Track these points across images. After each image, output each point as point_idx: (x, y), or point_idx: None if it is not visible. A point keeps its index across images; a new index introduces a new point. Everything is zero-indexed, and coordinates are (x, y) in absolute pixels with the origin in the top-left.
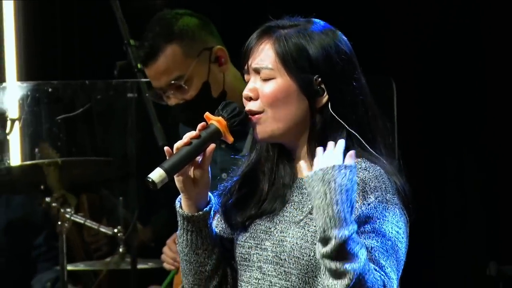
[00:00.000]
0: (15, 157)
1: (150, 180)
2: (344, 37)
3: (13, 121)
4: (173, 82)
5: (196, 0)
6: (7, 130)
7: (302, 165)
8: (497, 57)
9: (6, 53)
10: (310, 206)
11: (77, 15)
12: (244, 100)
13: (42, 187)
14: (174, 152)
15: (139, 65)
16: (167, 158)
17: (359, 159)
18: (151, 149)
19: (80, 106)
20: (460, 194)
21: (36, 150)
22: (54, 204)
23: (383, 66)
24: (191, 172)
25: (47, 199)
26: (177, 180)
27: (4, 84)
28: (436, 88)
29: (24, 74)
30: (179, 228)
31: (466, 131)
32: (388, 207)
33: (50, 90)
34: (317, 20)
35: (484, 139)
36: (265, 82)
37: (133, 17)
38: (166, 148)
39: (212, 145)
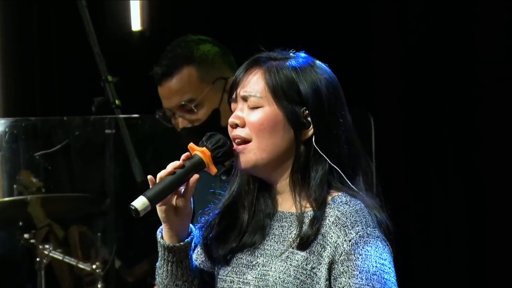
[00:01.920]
0: None
1: (133, 208)
2: (333, 73)
3: None
4: (183, 103)
5: (181, 35)
6: None
7: (282, 198)
8: (480, 88)
9: None
10: (291, 240)
11: (55, 51)
12: (229, 127)
13: (20, 223)
14: (157, 181)
15: (117, 101)
16: (150, 186)
17: (340, 193)
18: (129, 185)
19: (58, 142)
20: (442, 231)
21: (17, 177)
22: (32, 241)
23: (361, 99)
24: (173, 202)
25: (26, 235)
26: (159, 209)
27: None
28: (415, 122)
29: (2, 111)
30: (159, 259)
31: (448, 166)
32: (370, 241)
33: (28, 126)
34: (307, 55)
35: (468, 175)
36: (252, 110)
37: (111, 53)
38: (149, 177)
39: (196, 176)
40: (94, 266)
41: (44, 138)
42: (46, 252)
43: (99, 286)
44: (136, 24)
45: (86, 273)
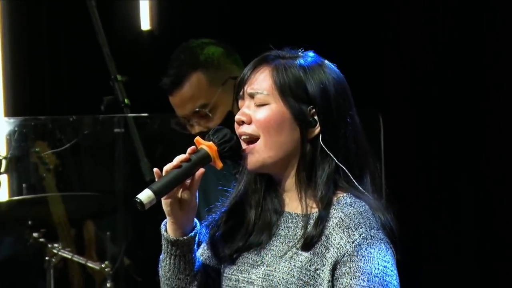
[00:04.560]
0: (2, 193)
1: (138, 200)
2: (341, 74)
3: (1, 158)
4: (197, 110)
5: (190, 34)
6: (2, 170)
7: (289, 198)
8: (491, 87)
9: None
10: (296, 240)
11: (64, 51)
12: (236, 124)
13: (29, 222)
14: (163, 174)
15: (126, 100)
16: (156, 180)
17: (345, 194)
18: (138, 184)
19: (67, 141)
20: (453, 230)
21: (32, 149)
22: (41, 240)
23: (370, 99)
24: (179, 195)
25: (35, 234)
26: (164, 202)
27: None
28: (424, 122)
29: (11, 109)
30: (162, 252)
31: (458, 164)
32: (373, 243)
33: (37, 125)
34: (315, 54)
35: (477, 175)
36: (259, 107)
37: (120, 52)
38: (155, 170)
39: (201, 170)
40: (103, 265)
41: (53, 137)
42: (55, 251)
43: (108, 285)
44: (145, 23)
45: (95, 272)
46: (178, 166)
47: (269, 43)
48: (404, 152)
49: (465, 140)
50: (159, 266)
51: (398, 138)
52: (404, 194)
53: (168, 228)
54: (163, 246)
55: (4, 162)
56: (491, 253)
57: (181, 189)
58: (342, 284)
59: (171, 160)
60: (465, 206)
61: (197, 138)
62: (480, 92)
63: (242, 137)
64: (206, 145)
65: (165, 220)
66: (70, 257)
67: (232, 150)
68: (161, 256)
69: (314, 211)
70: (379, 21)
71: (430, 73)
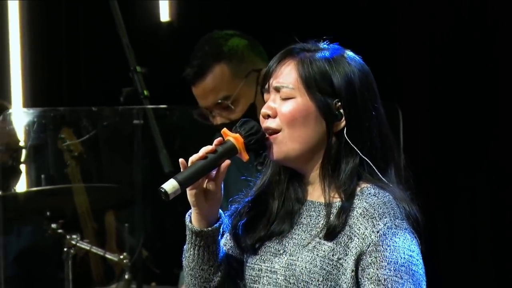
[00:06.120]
0: (21, 184)
1: (163, 190)
2: (366, 66)
3: (20, 148)
4: (219, 101)
5: (209, 26)
6: (22, 159)
7: (312, 188)
8: (507, 81)
9: (12, 80)
10: (318, 229)
11: (83, 42)
12: (261, 118)
13: (48, 213)
14: (188, 165)
15: (145, 92)
16: (182, 170)
17: (369, 185)
18: (157, 176)
19: (86, 132)
20: (469, 224)
21: (59, 135)
22: (60, 231)
23: (389, 92)
24: (204, 186)
25: (53, 225)
26: (190, 193)
27: (10, 111)
28: (443, 113)
29: (30, 100)
30: (187, 242)
31: (476, 158)
32: (398, 232)
33: (56, 116)
34: (340, 47)
35: (494, 166)
36: (285, 101)
37: (140, 44)
38: (181, 160)
39: (227, 161)
40: (121, 257)
41: (73, 128)
42: (73, 242)
43: (126, 276)
44: (164, 14)
45: (114, 263)
46: (204, 157)
47: (287, 32)
48: (423, 144)
49: (483, 132)
50: (183, 256)
51: (417, 130)
52: (422, 186)
53: (192, 219)
54: (187, 237)
55: (24, 151)
56: (508, 243)
57: (206, 180)
58: (369, 275)
59: (190, 152)
60: (481, 199)
61: (224, 129)
62: (500, 85)
63: (268, 131)
64: (233, 137)
65: (189, 211)
66: (88, 248)
67: (259, 143)
68: (185, 247)
69: (337, 200)
70: (398, 13)
71: (448, 65)
